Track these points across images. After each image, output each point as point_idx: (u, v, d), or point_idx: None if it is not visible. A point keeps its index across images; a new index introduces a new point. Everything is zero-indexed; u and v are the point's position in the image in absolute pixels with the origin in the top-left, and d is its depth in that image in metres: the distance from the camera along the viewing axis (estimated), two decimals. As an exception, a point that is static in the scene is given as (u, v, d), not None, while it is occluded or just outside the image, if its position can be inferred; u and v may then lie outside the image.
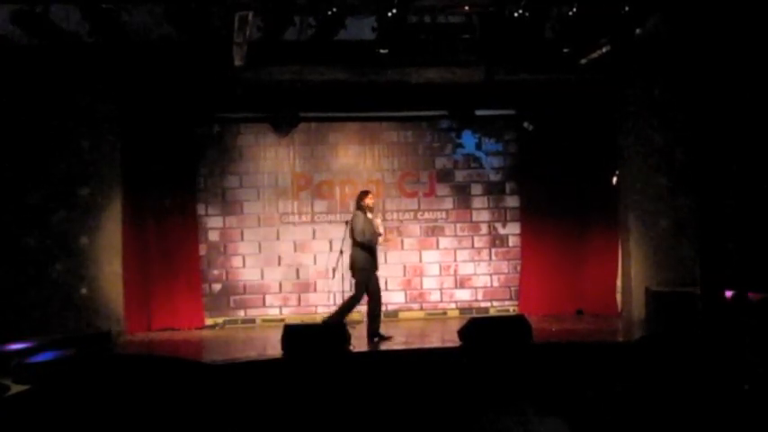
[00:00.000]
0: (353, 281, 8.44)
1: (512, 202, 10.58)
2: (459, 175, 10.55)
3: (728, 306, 7.09)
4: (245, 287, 10.16)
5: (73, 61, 8.21)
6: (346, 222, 9.70)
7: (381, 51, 7.75)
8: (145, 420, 5.08)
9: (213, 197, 10.19)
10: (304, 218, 10.29)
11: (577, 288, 10.27)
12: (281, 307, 10.19)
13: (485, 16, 7.43)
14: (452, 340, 7.79)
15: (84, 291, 8.94)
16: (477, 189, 10.58)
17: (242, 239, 10.20)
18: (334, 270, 9.65)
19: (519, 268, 10.47)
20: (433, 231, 10.42)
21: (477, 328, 7.46)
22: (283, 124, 10.07)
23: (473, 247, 10.52)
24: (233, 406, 5.71)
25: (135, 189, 9.49)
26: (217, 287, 10.13)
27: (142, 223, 9.69)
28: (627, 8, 7.17)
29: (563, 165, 10.29)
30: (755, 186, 7.51)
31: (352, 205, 10.29)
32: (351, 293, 8.46)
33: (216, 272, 10.14)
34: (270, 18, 7.05)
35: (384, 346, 8.05)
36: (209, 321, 10.00)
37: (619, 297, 9.98)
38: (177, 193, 9.90)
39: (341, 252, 9.40)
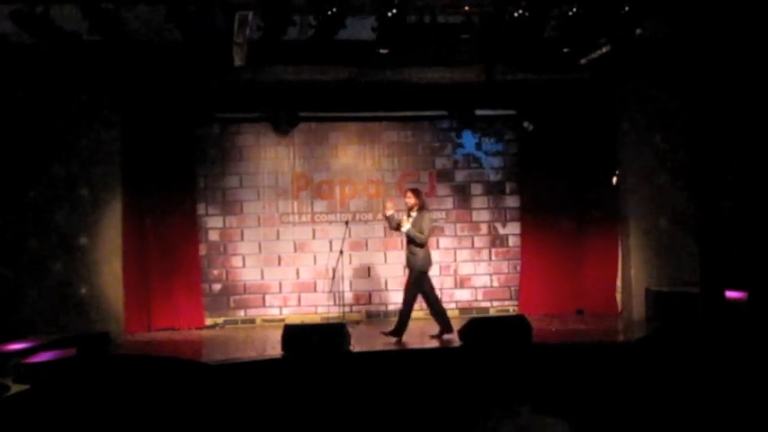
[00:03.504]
0: None
1: (512, 202, 10.57)
2: (459, 175, 10.55)
3: (730, 306, 7.10)
4: (245, 287, 10.15)
5: (73, 61, 8.20)
6: (346, 222, 9.74)
7: (381, 51, 7.74)
8: (145, 420, 5.08)
9: (213, 197, 10.19)
10: (304, 218, 10.29)
11: (577, 288, 10.26)
12: (281, 307, 10.19)
13: (485, 16, 7.42)
14: (452, 340, 7.80)
15: (84, 291, 8.95)
16: (477, 189, 10.57)
17: (242, 239, 10.19)
18: (334, 270, 9.66)
19: (519, 268, 10.47)
20: (433, 231, 10.39)
21: (478, 328, 7.46)
22: (283, 124, 10.08)
23: (473, 247, 10.51)
24: (233, 406, 5.70)
25: (135, 189, 9.49)
26: (217, 287, 10.12)
27: (142, 223, 9.69)
28: (627, 8, 7.17)
29: (563, 165, 10.30)
30: (756, 186, 7.51)
31: (351, 205, 10.35)
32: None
33: (216, 272, 10.14)
34: (270, 18, 7.04)
35: (383, 347, 8.03)
36: (209, 321, 10.00)
37: (619, 297, 9.98)
38: (177, 193, 9.89)
39: (341, 252, 9.41)
